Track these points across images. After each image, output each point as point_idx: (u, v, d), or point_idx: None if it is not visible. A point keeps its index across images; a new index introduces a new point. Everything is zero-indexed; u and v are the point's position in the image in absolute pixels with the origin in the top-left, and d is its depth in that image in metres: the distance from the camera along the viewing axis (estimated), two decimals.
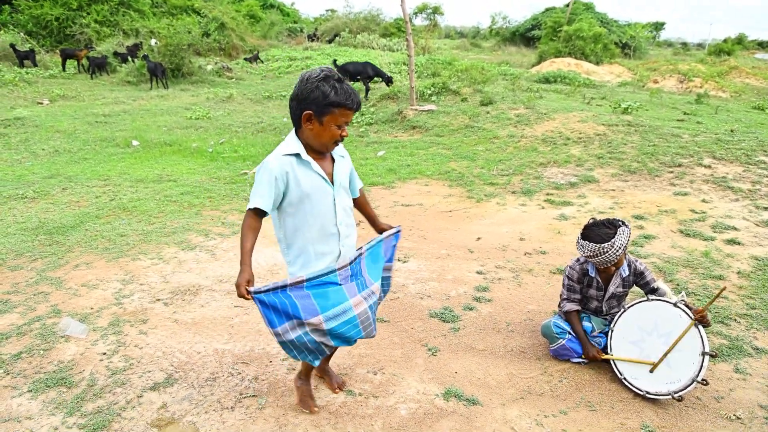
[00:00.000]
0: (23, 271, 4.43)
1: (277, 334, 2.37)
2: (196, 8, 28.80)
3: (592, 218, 3.25)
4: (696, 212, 5.84)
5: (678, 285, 4.22)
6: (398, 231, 2.85)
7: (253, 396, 2.97)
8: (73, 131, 10.51)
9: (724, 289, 2.96)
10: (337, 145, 2.40)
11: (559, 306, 3.43)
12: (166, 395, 2.95)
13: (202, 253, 4.93)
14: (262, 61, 23.23)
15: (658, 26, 46.28)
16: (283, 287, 2.32)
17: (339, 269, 2.44)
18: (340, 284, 2.44)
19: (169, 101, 15.04)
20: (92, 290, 4.15)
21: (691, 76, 18.02)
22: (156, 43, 19.32)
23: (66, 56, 19.49)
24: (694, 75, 18.15)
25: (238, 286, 2.26)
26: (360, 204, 2.86)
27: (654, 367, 3.00)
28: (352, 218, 2.62)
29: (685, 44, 46.45)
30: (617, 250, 3.03)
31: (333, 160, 2.49)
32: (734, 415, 2.87)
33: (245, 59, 23.81)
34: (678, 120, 10.17)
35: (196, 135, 10.90)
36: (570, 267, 3.37)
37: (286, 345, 2.43)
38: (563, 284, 3.39)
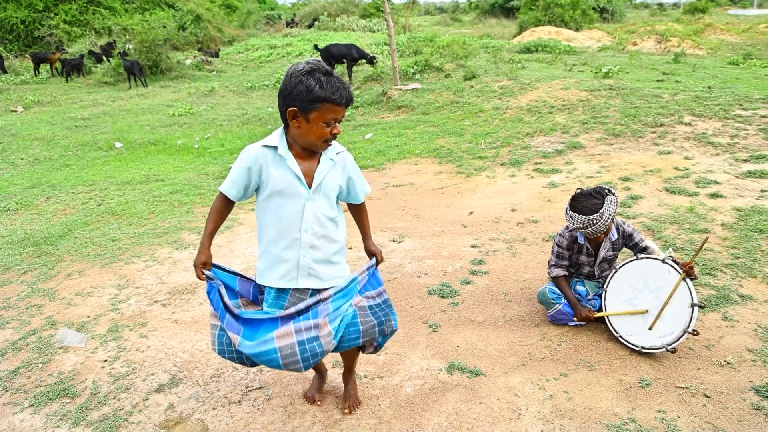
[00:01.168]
0: (13, 286, 4.40)
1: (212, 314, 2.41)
2: (169, 2, 28.32)
3: (579, 188, 3.27)
4: (679, 169, 5.90)
5: (666, 242, 4.28)
6: (373, 265, 2.55)
7: (260, 388, 2.99)
8: (52, 137, 10.40)
9: (706, 239, 3.03)
10: (328, 144, 2.23)
11: (548, 273, 3.47)
12: (172, 396, 2.96)
13: (196, 251, 4.91)
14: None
15: None
16: (225, 305, 2.31)
17: (281, 317, 2.27)
18: (276, 320, 2.27)
19: (150, 99, 14.88)
20: (87, 298, 4.14)
21: (668, 36, 18.06)
22: (130, 42, 18.99)
23: (38, 60, 19.09)
24: (671, 35, 18.19)
25: (194, 266, 2.32)
26: (355, 213, 2.61)
27: (653, 324, 3.05)
28: (328, 229, 2.33)
29: (661, 5, 46.28)
30: (606, 220, 3.05)
31: (319, 162, 2.28)
32: (725, 360, 2.95)
33: (204, 54, 22.41)
34: (657, 80, 10.20)
35: (180, 132, 10.81)
36: (559, 234, 3.40)
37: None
38: (552, 251, 3.43)
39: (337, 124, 2.18)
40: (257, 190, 2.31)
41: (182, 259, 4.76)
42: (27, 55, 21.61)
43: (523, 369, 3.04)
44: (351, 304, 2.38)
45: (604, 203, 3.07)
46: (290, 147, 2.24)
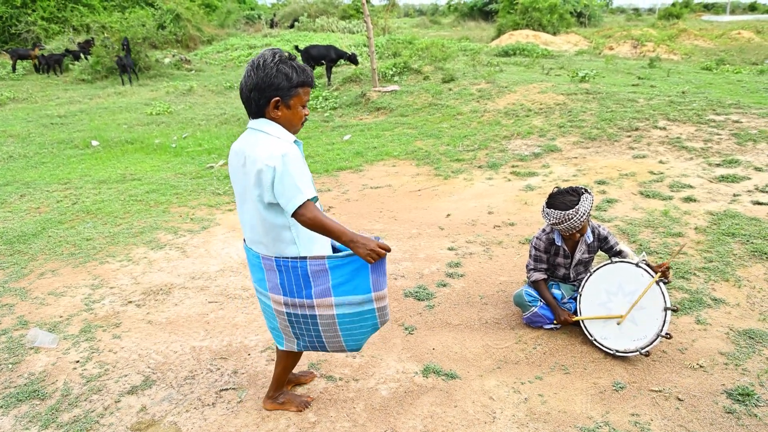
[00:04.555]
0: None
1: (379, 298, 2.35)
2: (149, 0, 27.96)
3: (556, 187, 3.32)
4: (654, 173, 6.00)
5: (641, 245, 4.36)
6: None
7: (234, 389, 2.98)
8: (27, 135, 10.19)
9: (683, 245, 3.09)
10: (302, 125, 2.34)
11: (526, 276, 3.50)
12: (145, 397, 2.93)
13: (173, 251, 4.87)
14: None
15: None
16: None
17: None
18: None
19: (128, 98, 14.65)
20: (60, 298, 4.07)
21: (643, 40, 18.35)
22: (108, 39, 18.59)
23: (18, 57, 18.73)
24: (647, 40, 18.48)
25: (367, 244, 2.15)
26: None
27: (621, 319, 3.10)
28: None
29: (636, 10, 47.10)
30: (581, 216, 3.11)
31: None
32: (697, 364, 3.01)
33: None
34: (633, 85, 10.37)
35: (158, 131, 10.66)
36: (536, 237, 3.44)
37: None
38: (530, 254, 3.46)
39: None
40: None
41: (157, 259, 4.71)
42: (4, 51, 21.12)
43: (498, 372, 3.07)
44: None
45: (579, 200, 3.12)
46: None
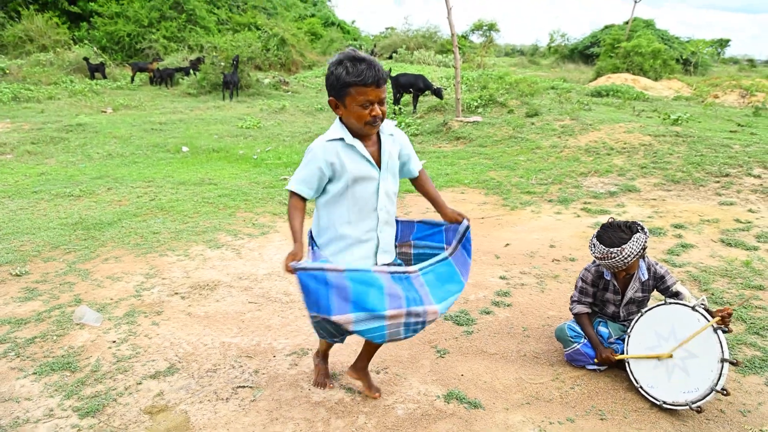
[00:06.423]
0: (55, 263, 4.61)
1: (311, 315, 2.34)
2: (259, 25, 29.82)
3: (611, 218, 3.08)
4: (741, 222, 5.47)
5: (713, 294, 3.94)
6: (467, 228, 2.61)
7: (251, 388, 2.95)
8: (129, 137, 10.98)
9: (753, 296, 2.75)
10: (372, 126, 2.27)
11: (570, 308, 3.26)
12: (165, 383, 2.96)
13: (228, 252, 5.00)
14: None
15: (723, 43, 44.05)
16: (322, 269, 2.18)
17: (375, 272, 2.26)
18: (382, 284, 2.24)
19: (224, 111, 15.51)
20: (116, 282, 4.27)
21: (753, 90, 17.04)
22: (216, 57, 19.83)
23: (138, 69, 20.51)
24: (758, 90, 17.14)
25: (285, 260, 2.21)
26: (420, 185, 2.72)
27: (666, 357, 2.79)
28: (394, 205, 2.50)
29: (751, 61, 43.84)
30: (626, 257, 2.85)
31: (380, 141, 2.39)
32: (760, 429, 2.63)
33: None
34: (731, 131, 9.63)
35: (244, 143, 11.16)
36: (585, 269, 3.20)
37: (314, 324, 2.51)
38: (576, 286, 3.22)
39: (375, 105, 2.23)
40: (328, 183, 2.37)
41: (212, 257, 4.84)
42: (127, 64, 23.23)
43: (526, 408, 2.84)
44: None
45: (631, 239, 2.87)
46: (354, 135, 2.33)
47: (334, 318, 2.18)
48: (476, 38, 39.83)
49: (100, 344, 3.35)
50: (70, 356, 3.20)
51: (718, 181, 6.64)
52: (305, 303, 2.25)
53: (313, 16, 38.84)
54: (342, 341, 2.70)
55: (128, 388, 2.90)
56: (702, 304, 2.78)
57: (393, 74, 15.14)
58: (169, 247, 5.06)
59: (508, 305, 3.99)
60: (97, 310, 3.76)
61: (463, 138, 10.57)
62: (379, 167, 2.37)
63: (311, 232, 2.54)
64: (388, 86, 14.71)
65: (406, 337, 2.37)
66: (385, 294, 2.22)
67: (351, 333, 2.34)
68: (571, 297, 3.26)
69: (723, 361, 2.62)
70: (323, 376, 2.97)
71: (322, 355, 2.99)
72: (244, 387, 2.95)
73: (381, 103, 2.24)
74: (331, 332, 2.56)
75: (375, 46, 39.37)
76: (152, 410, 2.73)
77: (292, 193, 2.33)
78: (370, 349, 2.82)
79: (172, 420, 2.67)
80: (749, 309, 3.76)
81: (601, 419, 2.75)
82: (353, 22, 46.74)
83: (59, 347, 3.30)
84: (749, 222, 5.44)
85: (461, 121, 11.50)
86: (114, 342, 3.38)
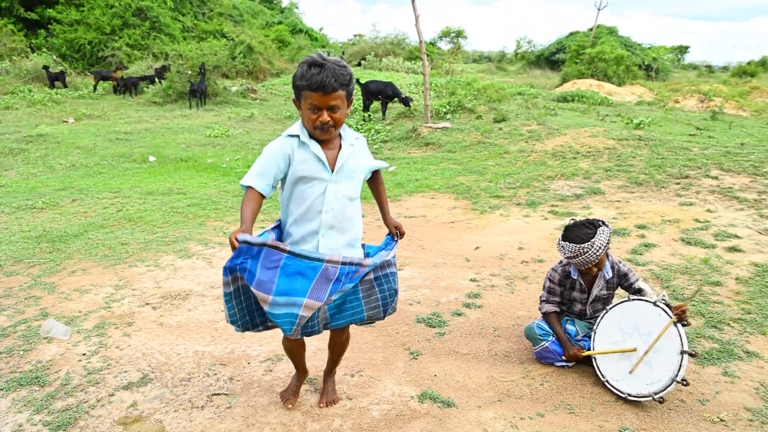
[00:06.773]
0: (19, 277, 4.51)
1: (225, 284, 2.32)
2: (226, 33, 29.57)
3: (572, 219, 3.20)
4: (700, 221, 5.68)
5: (674, 291, 4.10)
6: (391, 243, 2.76)
7: (225, 395, 2.95)
8: (93, 147, 10.78)
9: (702, 285, 2.88)
10: (322, 131, 2.27)
11: (539, 308, 3.35)
12: (138, 394, 2.94)
13: (199, 261, 4.97)
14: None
15: (683, 49, 45.70)
16: (263, 244, 2.18)
17: (327, 262, 2.29)
18: (311, 279, 2.28)
19: (192, 120, 15.34)
20: (84, 295, 4.20)
21: (711, 95, 17.67)
22: (182, 66, 19.66)
23: (101, 78, 20.10)
24: (715, 95, 17.79)
25: (231, 234, 2.16)
26: (372, 185, 2.81)
27: (634, 367, 2.91)
28: (349, 210, 2.44)
29: (709, 67, 45.56)
30: (597, 250, 2.97)
31: (340, 147, 2.40)
32: (718, 417, 2.76)
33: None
34: (690, 135, 9.98)
35: (212, 152, 11.07)
36: (552, 269, 3.31)
37: (226, 297, 2.38)
38: (543, 286, 3.32)
39: (323, 111, 2.23)
40: (282, 179, 2.40)
41: (183, 267, 4.81)
42: (89, 73, 22.73)
43: (498, 405, 2.91)
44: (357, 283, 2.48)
45: (596, 233, 2.99)
46: (311, 135, 2.35)
47: (256, 290, 2.21)
48: (444, 45, 40.42)
49: (69, 357, 3.30)
50: (39, 370, 3.14)
51: (678, 183, 6.88)
52: (227, 263, 2.23)
53: (280, 23, 38.75)
54: (256, 331, 2.55)
55: (100, 400, 2.87)
56: (663, 300, 2.90)
57: (362, 81, 15.24)
58: (138, 257, 5.00)
59: (478, 306, 4.07)
60: (66, 323, 3.70)
61: (433, 144, 10.69)
62: (332, 170, 2.37)
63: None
64: (358, 93, 14.79)
65: (312, 327, 2.44)
66: (311, 284, 2.27)
67: (266, 318, 2.43)
68: (540, 297, 3.36)
69: (683, 353, 2.74)
70: (290, 393, 2.89)
71: (297, 371, 2.91)
72: (219, 394, 2.95)
73: (331, 109, 2.23)
74: (243, 312, 2.45)
75: (343, 53, 39.47)
76: (126, 421, 2.71)
77: (248, 189, 2.29)
78: (333, 356, 2.88)
79: (147, 430, 2.65)
80: (708, 304, 3.92)
81: (570, 413, 2.83)
82: (321, 29, 46.81)
83: (26, 362, 3.24)
84: (707, 221, 5.66)
85: (430, 127, 11.63)
86: (84, 354, 3.33)
